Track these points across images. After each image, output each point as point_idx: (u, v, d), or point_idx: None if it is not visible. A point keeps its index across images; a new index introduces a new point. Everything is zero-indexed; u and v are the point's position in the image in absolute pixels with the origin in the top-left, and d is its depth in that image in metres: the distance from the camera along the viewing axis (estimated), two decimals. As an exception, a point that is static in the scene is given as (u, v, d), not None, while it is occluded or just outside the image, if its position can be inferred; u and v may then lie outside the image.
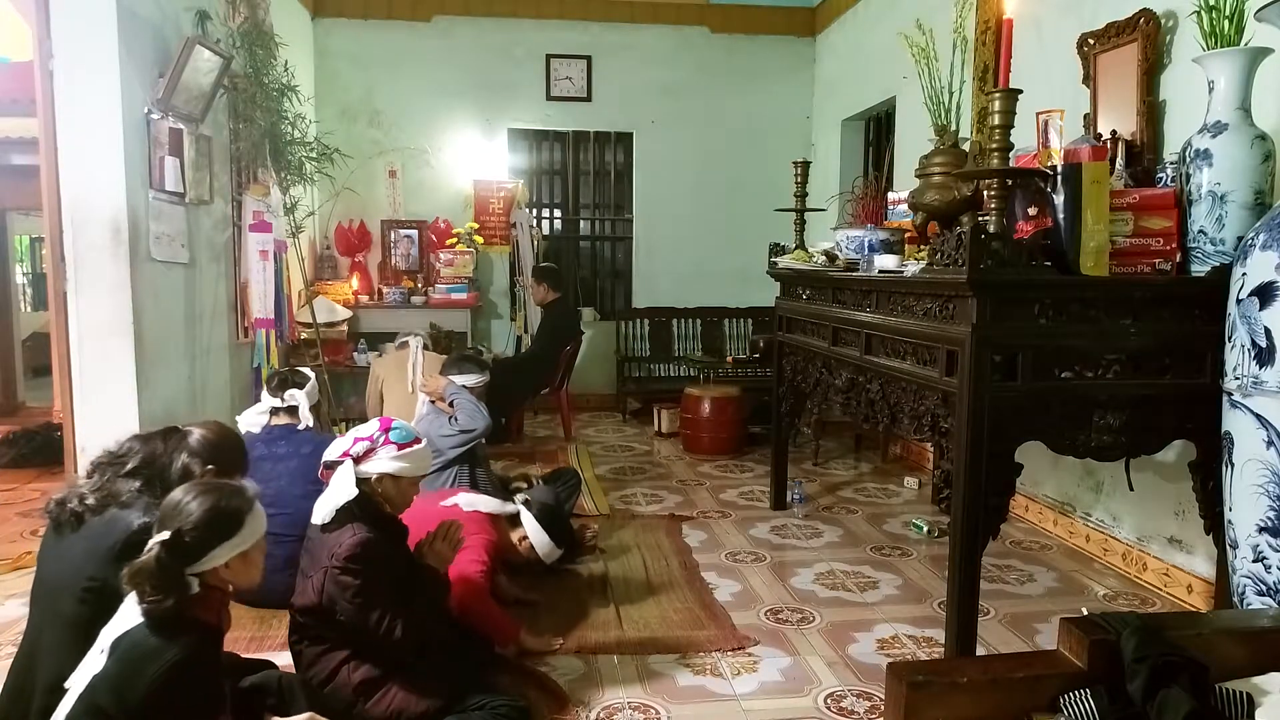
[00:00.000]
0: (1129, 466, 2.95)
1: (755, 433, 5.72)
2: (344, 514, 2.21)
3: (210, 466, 2.21)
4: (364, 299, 6.51)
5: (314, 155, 5.02)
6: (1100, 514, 3.71)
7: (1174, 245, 2.52)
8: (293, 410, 3.26)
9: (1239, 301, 2.15)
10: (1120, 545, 3.56)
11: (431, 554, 2.40)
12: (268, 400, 3.27)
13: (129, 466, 2.10)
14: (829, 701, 2.51)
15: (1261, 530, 2.08)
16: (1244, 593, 2.16)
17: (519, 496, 3.15)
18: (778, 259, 4.04)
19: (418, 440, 2.37)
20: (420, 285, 6.64)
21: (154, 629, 1.62)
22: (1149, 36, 3.22)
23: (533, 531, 3.06)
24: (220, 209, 4.54)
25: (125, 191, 3.61)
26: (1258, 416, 2.09)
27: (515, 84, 6.93)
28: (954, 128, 3.30)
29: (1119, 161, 3.02)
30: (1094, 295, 2.42)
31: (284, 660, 2.32)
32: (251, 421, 3.27)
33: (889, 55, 5.09)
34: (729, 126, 7.14)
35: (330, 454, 2.29)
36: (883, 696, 2.18)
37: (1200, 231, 2.48)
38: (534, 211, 7.12)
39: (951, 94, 3.34)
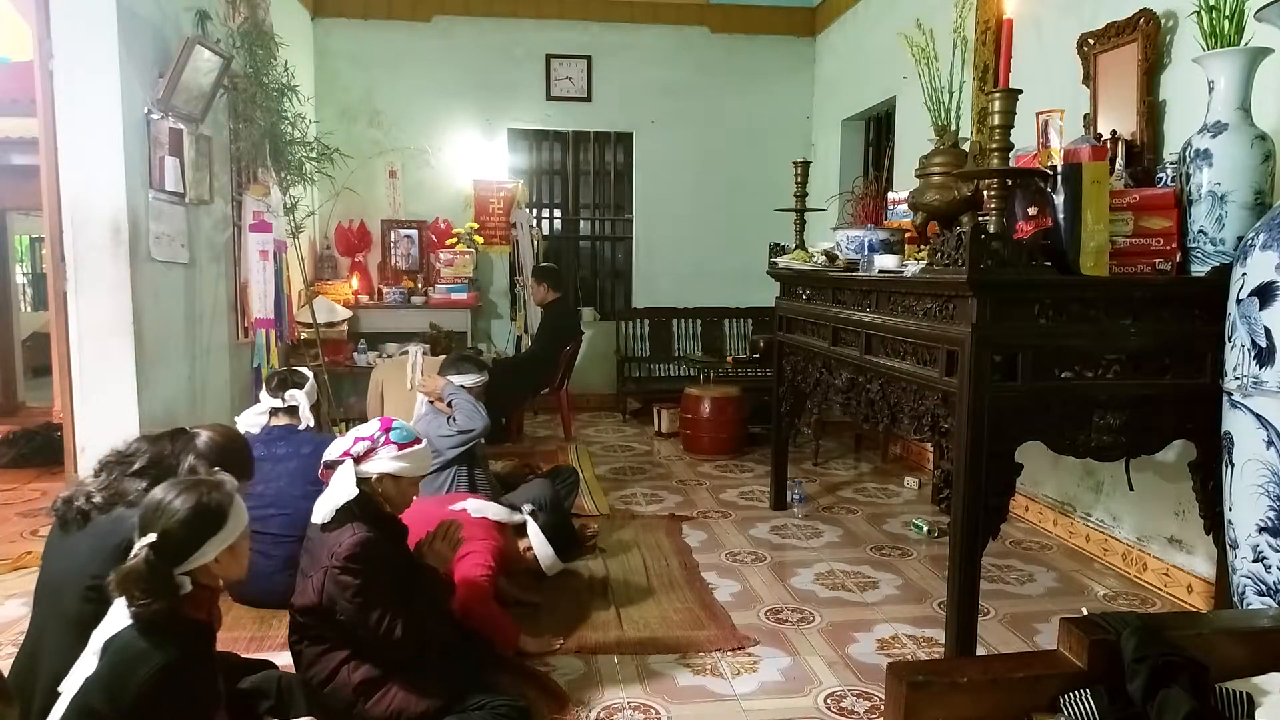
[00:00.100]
0: (1129, 466, 2.95)
1: (755, 433, 5.72)
2: (344, 514, 2.21)
3: (216, 469, 2.21)
4: (364, 299, 6.50)
5: (314, 155, 5.02)
6: (1100, 514, 3.71)
7: (1174, 245, 2.52)
8: (292, 411, 3.26)
9: (1239, 301, 2.15)
10: (1120, 545, 3.56)
11: (431, 554, 2.41)
12: (267, 401, 3.27)
13: (136, 466, 2.10)
14: (829, 701, 2.51)
15: (1261, 530, 2.08)
16: (1244, 593, 2.16)
17: (526, 507, 3.15)
18: (778, 259, 4.04)
19: (418, 440, 2.38)
20: (420, 285, 6.64)
21: (143, 631, 1.60)
22: (1149, 36, 3.22)
23: (538, 544, 3.07)
24: (220, 209, 4.54)
25: (125, 191, 3.61)
26: (1258, 416, 2.09)
27: (515, 84, 6.93)
28: (954, 128, 3.30)
29: (1119, 161, 3.02)
30: (1094, 295, 2.42)
31: (284, 660, 2.32)
32: (250, 422, 3.27)
33: (889, 55, 5.09)
34: (729, 126, 7.14)
35: (331, 454, 2.29)
36: (883, 696, 2.18)
37: (1200, 231, 2.48)
38: (534, 211, 7.12)
39: (951, 94, 3.34)
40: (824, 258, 3.55)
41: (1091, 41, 3.53)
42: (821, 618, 3.09)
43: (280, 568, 2.93)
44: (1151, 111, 3.24)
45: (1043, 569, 3.58)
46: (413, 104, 6.78)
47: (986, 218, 2.49)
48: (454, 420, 3.56)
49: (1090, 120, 3.45)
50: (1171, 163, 2.67)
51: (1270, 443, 2.06)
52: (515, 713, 2.22)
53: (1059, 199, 2.43)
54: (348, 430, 2.39)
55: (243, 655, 2.35)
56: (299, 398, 3.25)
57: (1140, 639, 1.33)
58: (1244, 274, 2.14)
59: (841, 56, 6.67)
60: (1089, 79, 3.55)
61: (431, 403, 3.74)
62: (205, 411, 4.22)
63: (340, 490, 2.21)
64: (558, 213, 7.42)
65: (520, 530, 3.09)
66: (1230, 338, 2.20)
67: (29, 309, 9.87)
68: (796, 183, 4.25)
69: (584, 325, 6.55)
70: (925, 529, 4.02)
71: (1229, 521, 2.22)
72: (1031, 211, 2.54)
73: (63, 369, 3.66)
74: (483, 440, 3.69)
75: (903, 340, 2.80)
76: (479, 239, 6.67)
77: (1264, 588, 2.09)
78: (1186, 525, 3.18)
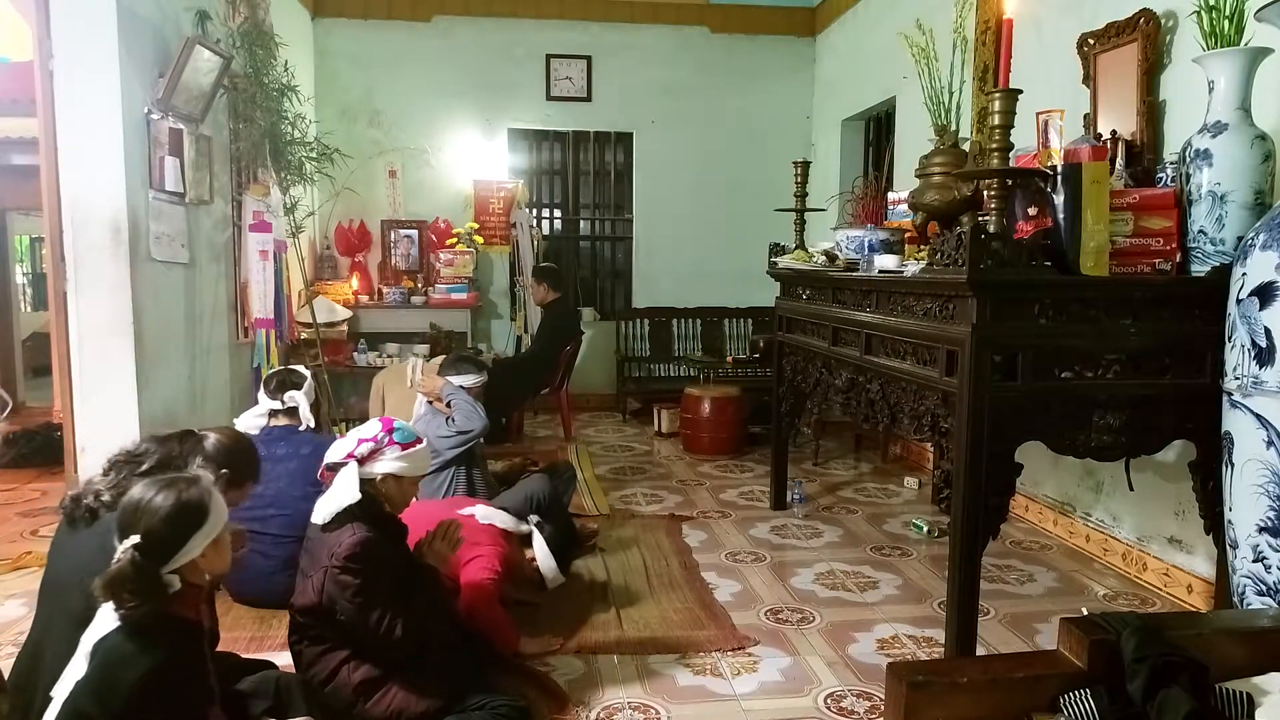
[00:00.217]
0: (1129, 466, 2.95)
1: (755, 433, 5.72)
2: (344, 514, 2.21)
3: (224, 471, 2.22)
4: (364, 299, 6.51)
5: (314, 155, 5.01)
6: (1100, 514, 3.71)
7: (1174, 245, 2.52)
8: (292, 412, 3.26)
9: (1239, 301, 2.15)
10: (1120, 545, 3.56)
11: (431, 553, 2.41)
12: (266, 402, 3.26)
13: (145, 466, 2.10)
14: (829, 701, 2.51)
15: (1261, 530, 2.08)
16: (1244, 593, 2.16)
17: (532, 518, 3.15)
18: (778, 259, 4.04)
19: (419, 440, 2.39)
20: (420, 285, 6.64)
21: (132, 633, 1.59)
22: (1149, 36, 3.22)
23: (542, 556, 3.07)
24: (220, 209, 4.54)
25: (125, 191, 3.61)
26: (1258, 416, 2.09)
27: (515, 84, 6.93)
28: (954, 128, 3.30)
29: (1119, 161, 3.02)
30: (1094, 295, 2.42)
31: (284, 660, 2.32)
32: (249, 424, 3.26)
33: (889, 55, 5.09)
34: (729, 126, 7.14)
35: (334, 456, 2.29)
36: (883, 696, 2.18)
37: (1200, 231, 2.48)
38: (534, 211, 7.12)
39: (951, 94, 3.34)
40: (824, 258, 3.55)
41: (1091, 41, 3.53)
42: (821, 618, 3.09)
43: (280, 568, 2.93)
44: (1151, 111, 3.24)
45: (1043, 569, 3.58)
46: (413, 104, 6.78)
47: (986, 218, 2.49)
48: (453, 421, 3.55)
49: (1090, 120, 3.45)
50: (1171, 163, 2.67)
51: (1270, 443, 2.06)
52: (515, 713, 2.22)
53: (1059, 199, 2.43)
54: (348, 430, 2.39)
55: (243, 655, 2.35)
56: (298, 399, 3.25)
57: (1140, 639, 1.33)
58: (1244, 274, 2.14)
59: (841, 56, 6.67)
60: (1089, 79, 3.55)
61: (430, 403, 3.74)
62: (205, 411, 4.22)
63: (344, 493, 2.21)
64: (558, 213, 7.42)
65: (525, 540, 3.09)
66: (1230, 338, 2.20)
67: (29, 309, 9.87)
68: (796, 183, 4.25)
69: (584, 325, 6.55)
70: (925, 529, 4.02)
71: (1229, 521, 2.22)
72: (1031, 211, 2.54)
73: (63, 369, 3.65)
74: (481, 440, 3.69)
75: (903, 340, 2.80)
76: (479, 239, 6.67)
77: (1264, 588, 2.09)
78: (1186, 525, 3.18)
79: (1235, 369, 2.17)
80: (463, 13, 6.82)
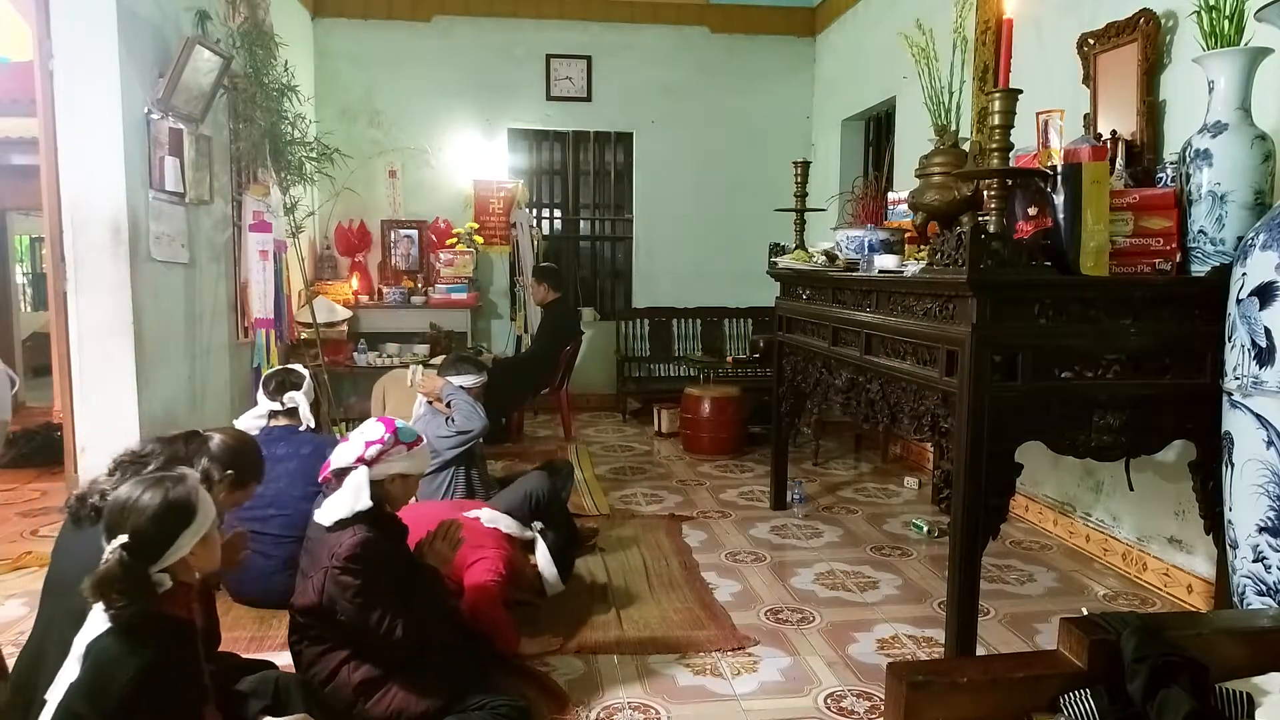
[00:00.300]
0: (1129, 466, 2.95)
1: (755, 433, 5.72)
2: (350, 516, 2.22)
3: (230, 472, 2.22)
4: (364, 299, 6.50)
5: (314, 155, 5.02)
6: (1100, 514, 3.71)
7: (1174, 245, 2.52)
8: (292, 412, 3.25)
9: (1239, 301, 2.15)
10: (1120, 545, 3.56)
11: (432, 553, 2.41)
12: (265, 404, 3.26)
13: (151, 467, 2.10)
14: (829, 701, 2.51)
15: (1261, 530, 2.08)
16: (1244, 593, 2.16)
17: (536, 525, 3.15)
18: (778, 259, 4.04)
19: (420, 438, 2.42)
20: (420, 285, 6.64)
21: (122, 633, 1.58)
22: (1149, 36, 3.22)
23: (544, 564, 3.06)
24: (220, 209, 4.54)
25: (125, 191, 3.61)
26: (1258, 416, 2.09)
27: (515, 84, 6.93)
28: (954, 128, 3.30)
29: (1119, 161, 3.02)
30: (1094, 295, 2.42)
31: (284, 660, 2.32)
32: (249, 426, 3.25)
33: (889, 55, 5.09)
34: (729, 126, 7.14)
35: (341, 460, 2.28)
36: (883, 696, 2.18)
37: (1200, 231, 2.48)
38: (534, 211, 7.12)
39: (951, 94, 3.34)
40: (824, 258, 3.55)
41: (1091, 41, 3.53)
42: (821, 618, 3.09)
43: (280, 568, 2.93)
44: (1151, 111, 3.24)
45: (1043, 569, 3.58)
46: (413, 104, 6.78)
47: (986, 218, 2.49)
48: (452, 421, 3.55)
49: (1090, 120, 3.45)
50: (1171, 163, 2.67)
51: (1270, 443, 2.06)
52: (515, 713, 2.22)
53: (1059, 199, 2.43)
54: (348, 430, 2.39)
55: (243, 655, 2.35)
56: (298, 399, 3.25)
57: (1140, 639, 1.33)
58: (1244, 274, 2.14)
59: (841, 56, 6.67)
60: (1089, 79, 3.55)
61: (430, 403, 3.74)
62: (205, 411, 4.22)
63: (355, 497, 2.22)
64: (558, 213, 7.42)
65: (528, 546, 3.09)
66: (1230, 338, 2.20)
67: (29, 309, 9.87)
68: (796, 183, 4.25)
69: (584, 325, 6.55)
70: (925, 529, 4.02)
71: (1229, 521, 2.22)
72: (1031, 211, 2.54)
73: (63, 369, 3.65)
74: (481, 440, 3.69)
75: (903, 340, 2.80)
76: (479, 239, 6.67)
77: (1264, 588, 2.09)
78: (1186, 525, 3.18)
79: (1235, 369, 2.17)
80: (463, 13, 6.82)
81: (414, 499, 2.89)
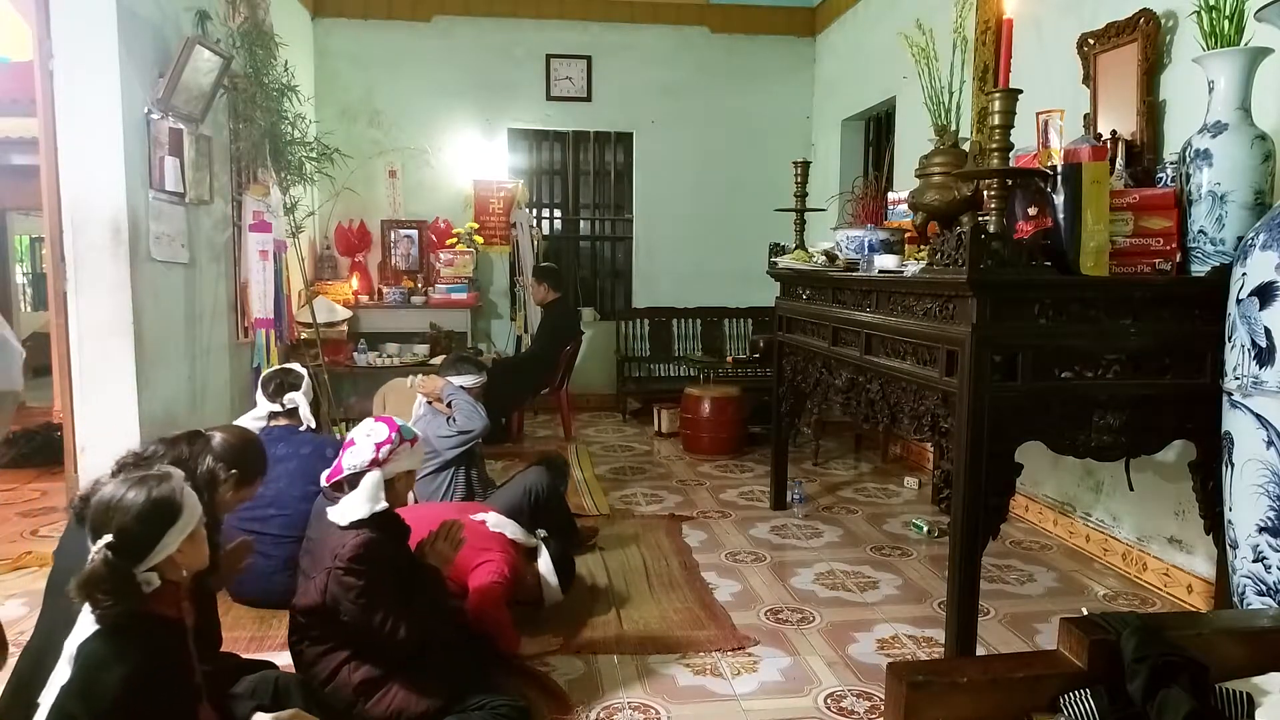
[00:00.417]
0: (1129, 466, 2.95)
1: (755, 433, 5.72)
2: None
3: (234, 471, 2.22)
4: (364, 299, 6.50)
5: (314, 155, 5.01)
6: (1100, 514, 3.71)
7: (1174, 245, 2.52)
8: (292, 413, 3.25)
9: (1239, 301, 2.15)
10: (1120, 545, 3.56)
11: (433, 553, 2.41)
12: (265, 405, 3.25)
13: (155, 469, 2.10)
14: (829, 701, 2.51)
15: (1261, 530, 2.08)
16: (1244, 593, 2.16)
17: (540, 533, 3.16)
18: (778, 259, 4.04)
19: (417, 435, 2.46)
20: (420, 285, 6.64)
21: (110, 634, 1.57)
22: (1149, 36, 3.22)
23: (545, 573, 3.06)
24: (220, 209, 4.54)
25: (125, 191, 3.61)
26: (1258, 416, 2.09)
27: (515, 84, 6.93)
28: (954, 128, 3.30)
29: (1119, 161, 3.02)
30: (1094, 295, 2.42)
31: (284, 660, 2.32)
32: (249, 427, 3.26)
33: (889, 55, 5.09)
34: (729, 126, 7.14)
35: (355, 464, 2.30)
36: (883, 696, 2.18)
37: (1200, 231, 2.48)
38: (534, 211, 7.12)
39: (951, 94, 3.34)
40: (824, 258, 3.55)
41: (1091, 41, 3.53)
42: (821, 618, 3.09)
43: (280, 568, 2.93)
44: (1151, 111, 3.24)
45: (1043, 569, 3.58)
46: (413, 104, 6.78)
47: (986, 218, 2.49)
48: (453, 421, 3.55)
49: (1090, 120, 3.45)
50: (1171, 163, 2.67)
51: (1270, 443, 2.06)
52: (515, 713, 2.22)
53: (1059, 199, 2.43)
54: (348, 430, 2.41)
55: (243, 655, 2.35)
56: (298, 400, 3.25)
57: (1140, 639, 1.33)
58: (1244, 274, 2.14)
59: (841, 56, 6.67)
60: (1089, 79, 3.55)
61: (430, 403, 3.74)
62: (205, 411, 4.22)
63: (372, 498, 2.24)
64: (558, 213, 7.42)
65: (531, 554, 3.09)
66: (1230, 338, 2.20)
67: (29, 309, 9.88)
68: (796, 183, 4.25)
69: (584, 325, 6.55)
70: (925, 529, 4.02)
71: (1229, 521, 2.22)
72: (1031, 211, 2.54)
73: (63, 369, 3.65)
74: (480, 441, 3.69)
75: (903, 340, 2.80)
76: (479, 239, 6.67)
77: (1264, 588, 2.09)
78: (1186, 525, 3.18)
79: (1235, 369, 2.17)
80: (463, 13, 6.82)
81: (413, 499, 2.89)
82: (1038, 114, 2.86)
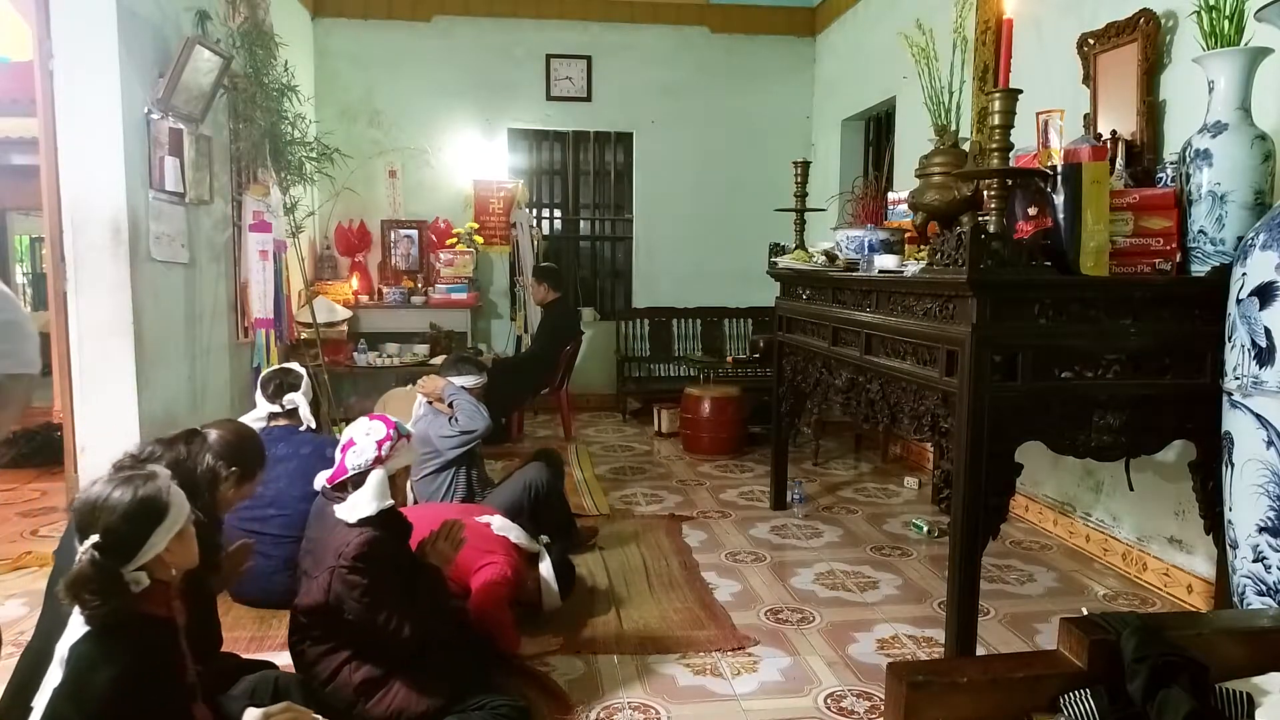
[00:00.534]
0: (1129, 466, 2.95)
1: (755, 433, 5.72)
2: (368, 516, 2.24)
3: (234, 469, 2.22)
4: (364, 299, 6.50)
5: (314, 155, 5.02)
6: (1100, 514, 3.71)
7: (1174, 245, 2.52)
8: (292, 413, 3.25)
9: (1239, 301, 2.15)
10: (1120, 545, 3.56)
11: (434, 552, 2.41)
12: (265, 406, 3.25)
13: None
14: (829, 701, 2.51)
15: (1261, 530, 2.08)
16: (1244, 593, 2.16)
17: (543, 539, 3.16)
18: (778, 259, 4.04)
19: (410, 432, 2.48)
20: (420, 285, 6.64)
21: (99, 635, 1.56)
22: (1149, 36, 3.22)
23: (546, 580, 3.06)
24: (220, 209, 4.54)
25: (125, 191, 3.61)
26: (1258, 416, 2.09)
27: (515, 84, 6.93)
28: (954, 128, 3.30)
29: (1119, 161, 3.02)
30: (1094, 295, 2.42)
31: (284, 660, 2.32)
32: None
33: (889, 55, 5.09)
34: (729, 126, 7.14)
35: (359, 463, 2.30)
36: (883, 696, 2.18)
37: (1200, 231, 2.48)
38: (534, 211, 7.12)
39: (951, 94, 3.34)
40: (824, 258, 3.55)
41: (1091, 41, 3.53)
42: (821, 618, 3.09)
43: (280, 568, 2.93)
44: (1151, 111, 3.24)
45: (1043, 569, 3.58)
46: (413, 104, 6.78)
47: (986, 218, 2.49)
48: (455, 421, 3.56)
49: (1090, 120, 3.45)
50: (1171, 163, 2.67)
51: (1270, 443, 2.06)
52: (515, 713, 2.22)
53: (1059, 199, 2.43)
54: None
55: (243, 655, 2.35)
56: (298, 400, 3.24)
57: (1140, 639, 1.33)
58: (1244, 274, 2.14)
59: (841, 56, 6.67)
60: (1089, 79, 3.55)
61: (430, 403, 3.74)
62: (205, 411, 4.22)
63: (379, 495, 2.24)
64: (558, 213, 7.42)
65: (533, 560, 3.09)
66: (1230, 338, 2.20)
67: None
68: (796, 183, 4.25)
69: (584, 325, 6.55)
70: (925, 529, 4.02)
71: (1229, 521, 2.22)
72: (1031, 211, 2.54)
73: (63, 369, 3.65)
74: (481, 441, 3.69)
75: (903, 340, 2.80)
76: (479, 239, 6.67)
77: (1264, 588, 2.09)
78: (1186, 525, 3.18)
79: (1235, 369, 2.17)
80: (463, 13, 6.82)
81: (414, 500, 2.89)
82: (1038, 114, 2.86)
